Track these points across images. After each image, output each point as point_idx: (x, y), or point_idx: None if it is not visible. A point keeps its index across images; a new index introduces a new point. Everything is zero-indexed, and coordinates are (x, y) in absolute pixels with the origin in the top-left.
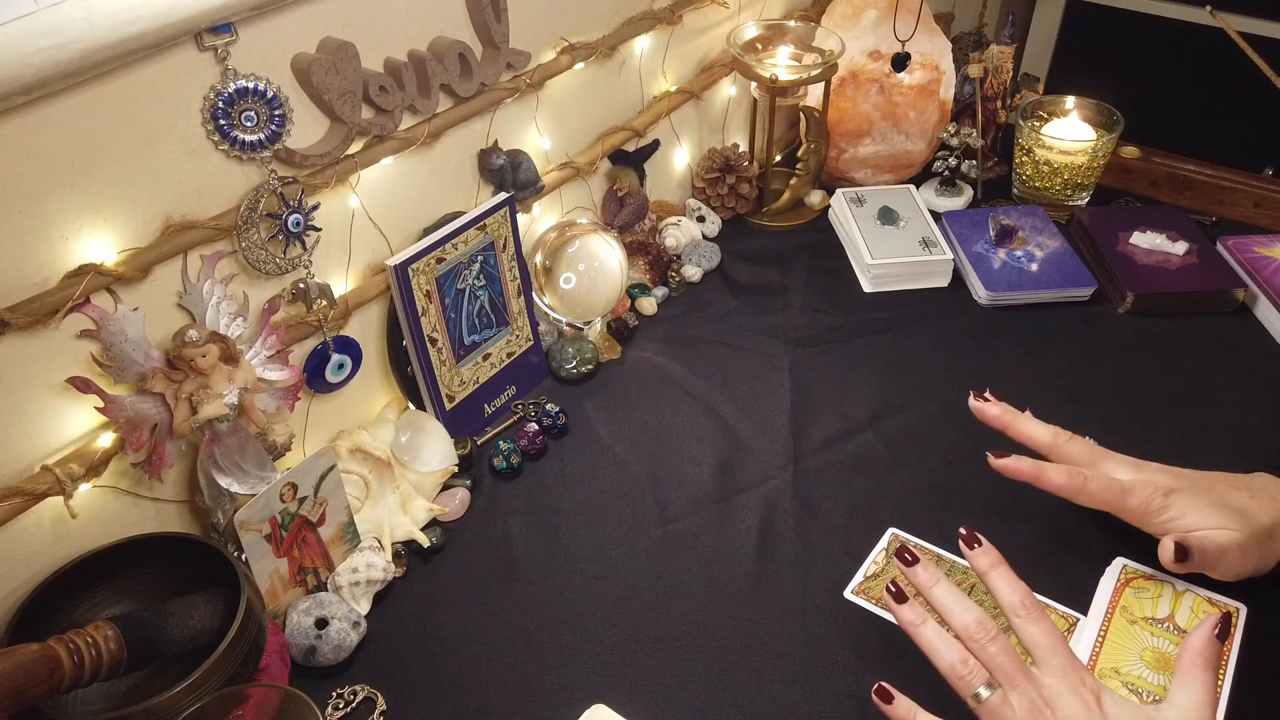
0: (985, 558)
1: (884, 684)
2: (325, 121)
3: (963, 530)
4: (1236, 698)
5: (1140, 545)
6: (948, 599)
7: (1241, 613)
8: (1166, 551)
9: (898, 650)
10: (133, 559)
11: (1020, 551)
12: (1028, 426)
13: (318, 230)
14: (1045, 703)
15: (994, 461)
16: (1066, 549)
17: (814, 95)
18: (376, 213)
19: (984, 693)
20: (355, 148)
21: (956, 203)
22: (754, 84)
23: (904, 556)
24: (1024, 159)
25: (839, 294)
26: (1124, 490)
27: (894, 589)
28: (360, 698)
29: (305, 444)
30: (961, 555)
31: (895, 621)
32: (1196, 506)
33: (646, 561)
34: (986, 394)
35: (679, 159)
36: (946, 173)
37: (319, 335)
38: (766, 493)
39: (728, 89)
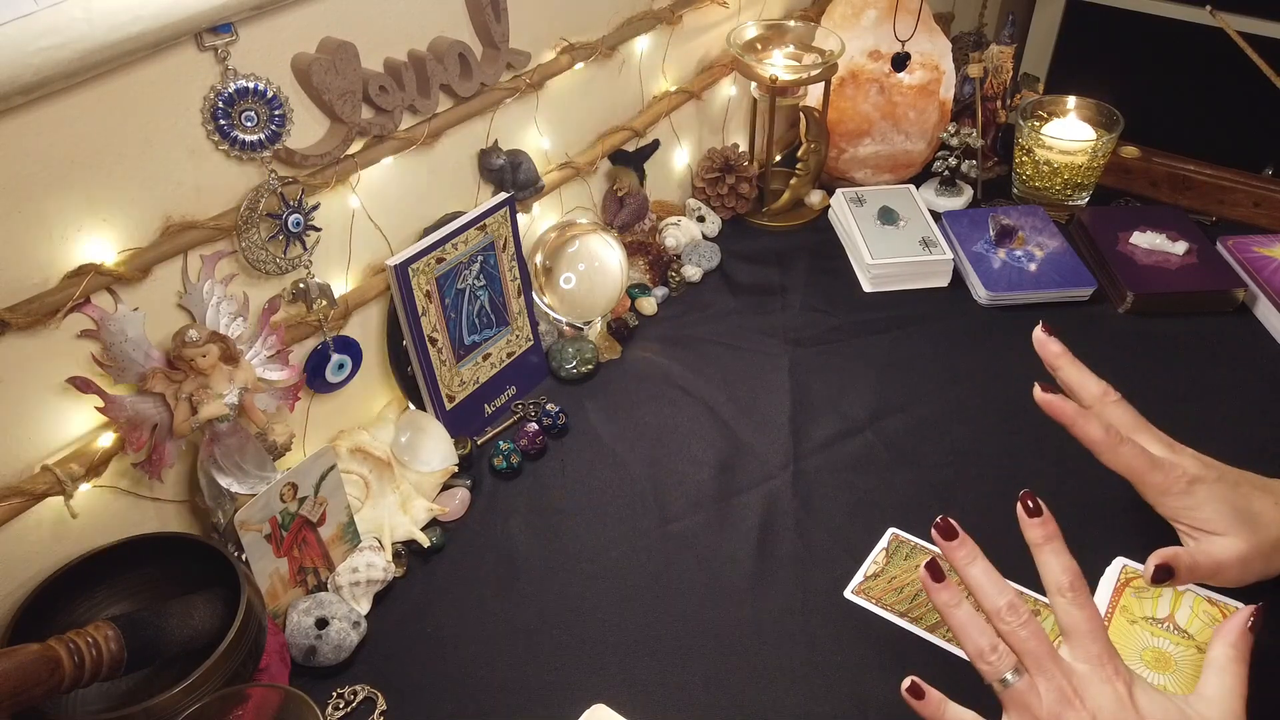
0: (1042, 529)
1: (916, 680)
2: (325, 121)
3: (1025, 493)
4: None
5: (1140, 546)
6: (982, 578)
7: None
8: (1147, 572)
9: (897, 650)
10: (133, 559)
11: (1020, 551)
12: (1080, 374)
13: (318, 230)
14: (1074, 691)
15: (1040, 395)
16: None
17: (814, 95)
18: (376, 213)
19: (1011, 678)
20: (355, 148)
21: (956, 203)
22: (754, 84)
23: (945, 530)
24: (1024, 159)
25: (839, 294)
26: (1152, 464)
27: (932, 569)
28: (360, 698)
29: (305, 444)
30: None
31: (931, 601)
32: (1214, 503)
33: (646, 561)
34: (1048, 329)
35: (679, 159)
36: (946, 173)
37: (319, 335)
38: (766, 493)
39: (728, 89)
